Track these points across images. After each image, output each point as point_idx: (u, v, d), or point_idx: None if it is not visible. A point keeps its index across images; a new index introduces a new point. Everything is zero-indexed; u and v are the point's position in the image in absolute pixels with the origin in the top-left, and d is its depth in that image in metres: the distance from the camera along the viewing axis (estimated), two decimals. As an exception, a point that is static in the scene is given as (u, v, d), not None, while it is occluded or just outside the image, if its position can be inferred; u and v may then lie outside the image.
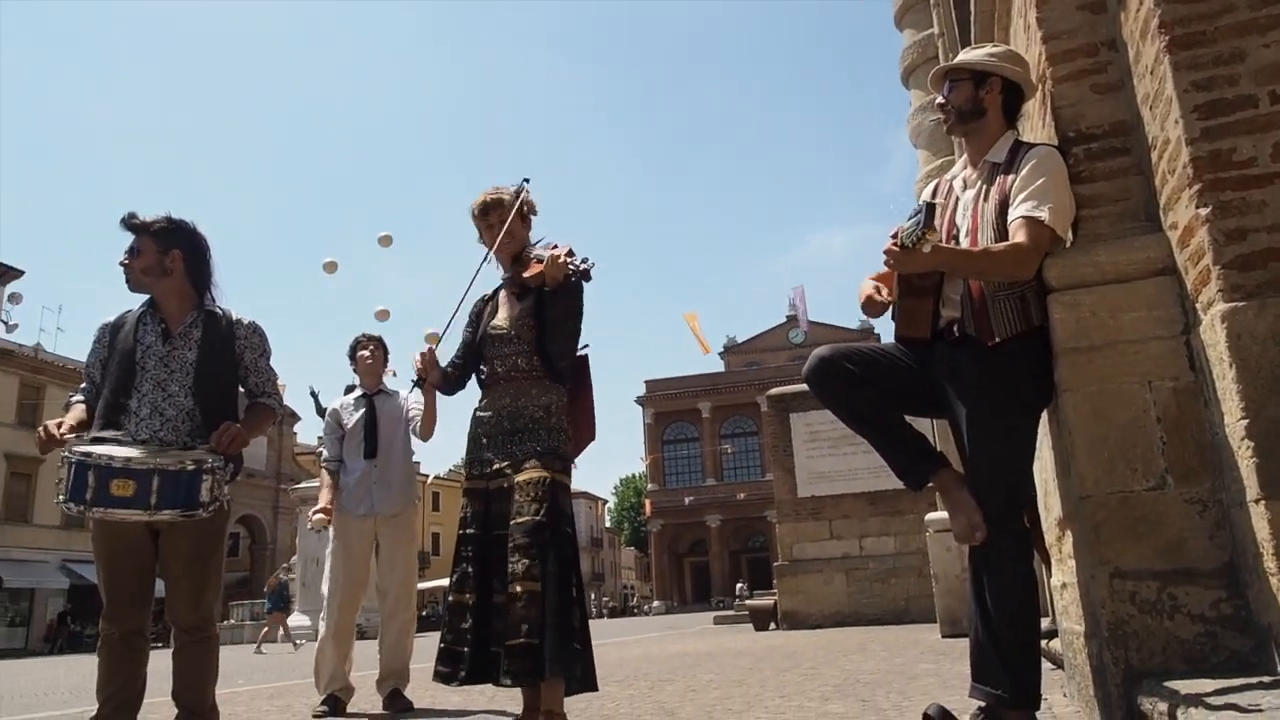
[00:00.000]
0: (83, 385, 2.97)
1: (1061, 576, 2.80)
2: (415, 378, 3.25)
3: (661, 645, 9.85)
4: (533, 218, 3.26)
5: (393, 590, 4.45)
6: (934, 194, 2.64)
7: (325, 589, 4.40)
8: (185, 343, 2.89)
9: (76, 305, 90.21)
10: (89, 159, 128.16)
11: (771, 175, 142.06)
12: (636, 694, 4.33)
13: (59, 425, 2.67)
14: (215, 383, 2.89)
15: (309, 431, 40.01)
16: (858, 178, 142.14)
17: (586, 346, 3.16)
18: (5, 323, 32.82)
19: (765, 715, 3.30)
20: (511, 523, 2.76)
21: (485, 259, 3.20)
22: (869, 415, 2.51)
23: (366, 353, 4.72)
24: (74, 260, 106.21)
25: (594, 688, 2.81)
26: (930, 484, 2.44)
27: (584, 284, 3.03)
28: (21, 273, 33.20)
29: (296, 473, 41.09)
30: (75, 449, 2.55)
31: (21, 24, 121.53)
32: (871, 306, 2.62)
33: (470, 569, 2.86)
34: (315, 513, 4.43)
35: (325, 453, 4.67)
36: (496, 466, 2.91)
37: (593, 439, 3.14)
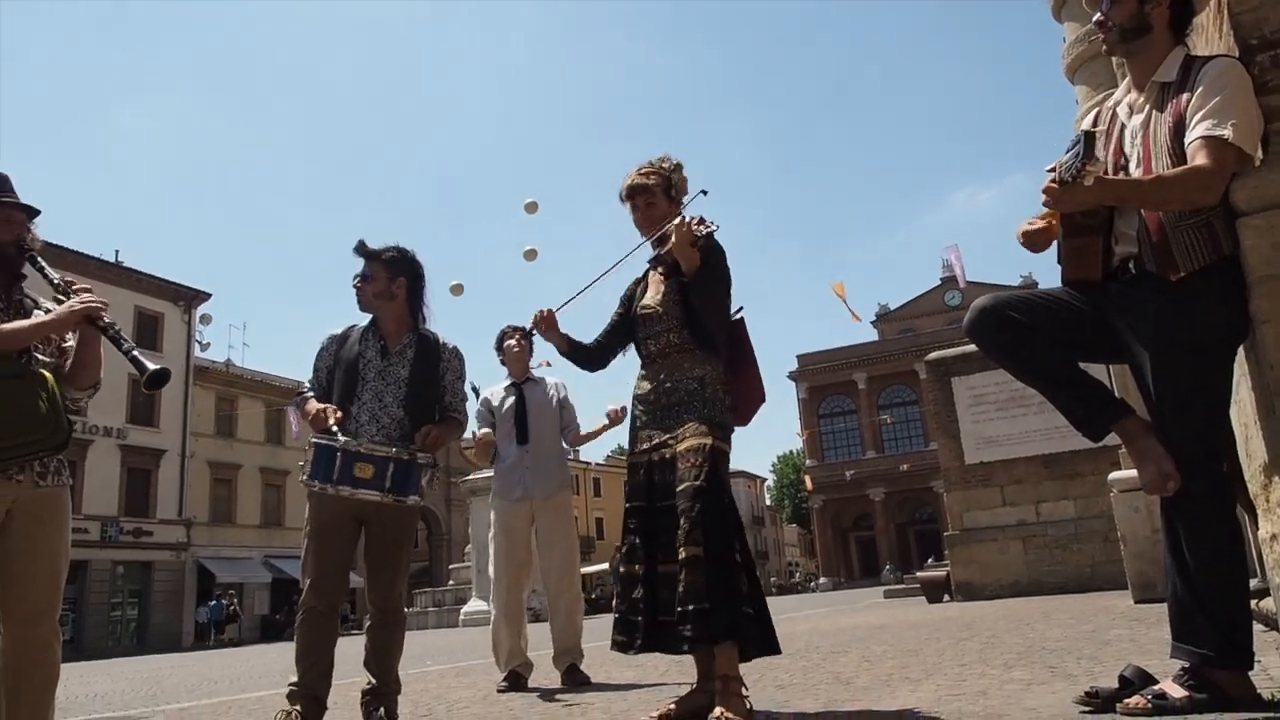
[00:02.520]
0: (309, 381, 3.27)
1: (1270, 527, 2.56)
2: (529, 327, 3.24)
3: (830, 620, 9.72)
4: (685, 198, 3.20)
5: (555, 570, 4.59)
6: (1094, 122, 2.45)
7: (492, 572, 4.59)
8: (400, 360, 3.22)
9: (258, 321, 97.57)
10: (252, 178, 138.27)
11: (901, 135, 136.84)
12: (809, 665, 4.30)
13: (334, 417, 2.97)
14: (423, 397, 3.21)
15: (473, 426, 41.73)
16: (1000, 128, 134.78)
17: (741, 309, 3.10)
18: (199, 342, 36.02)
19: (945, 683, 3.20)
20: (676, 490, 2.78)
21: (637, 247, 3.19)
22: (1039, 365, 2.37)
23: (513, 342, 4.87)
24: (252, 279, 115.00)
25: (774, 650, 2.79)
26: (1111, 434, 2.29)
27: (722, 251, 3.00)
28: (209, 295, 36.28)
29: (464, 466, 43.03)
30: (322, 436, 2.88)
31: (192, 60, 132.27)
32: (1030, 239, 2.43)
33: (637, 540, 2.90)
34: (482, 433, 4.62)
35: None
36: (657, 440, 2.94)
37: (762, 400, 3.07)
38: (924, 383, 18.00)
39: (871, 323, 58.82)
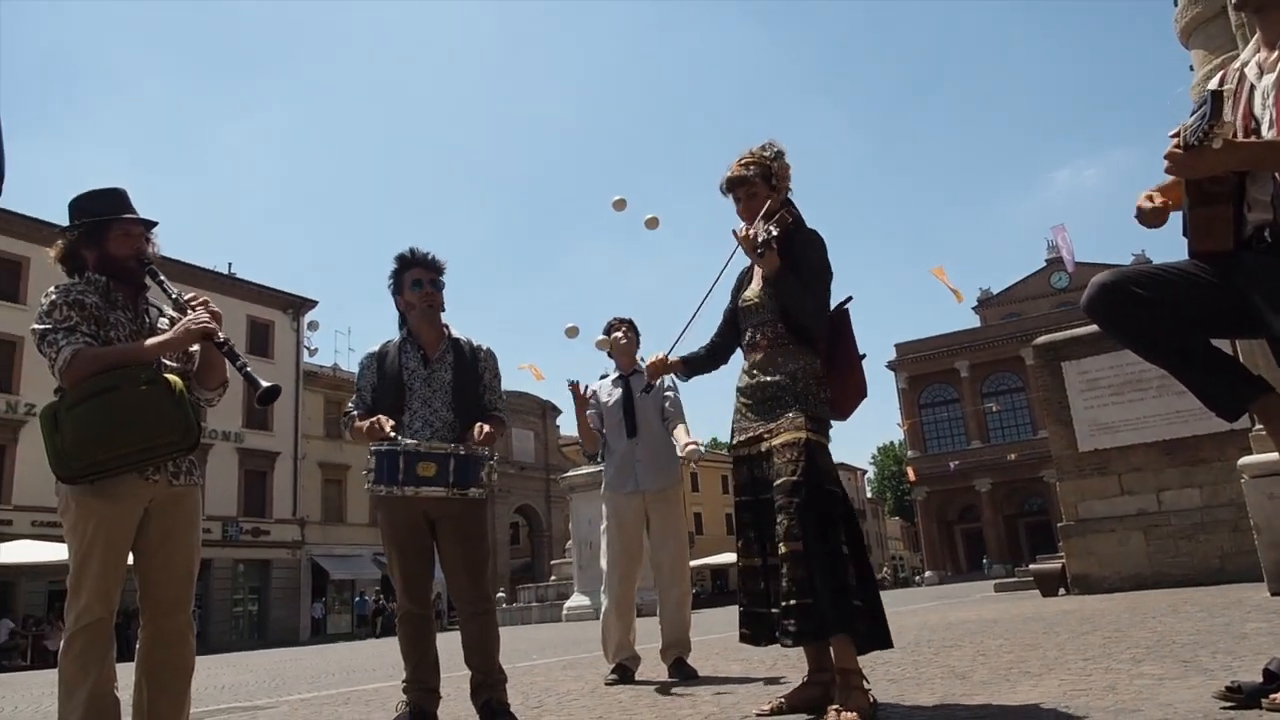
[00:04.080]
0: (353, 400, 3.38)
1: None
2: (645, 386, 3.51)
3: (939, 614, 9.46)
4: (789, 188, 3.11)
5: (666, 564, 4.59)
6: (1220, 84, 2.30)
7: (604, 564, 4.62)
8: (442, 366, 3.32)
9: (361, 326, 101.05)
10: (348, 187, 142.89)
11: (997, 114, 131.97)
12: (921, 659, 4.19)
13: (389, 422, 3.08)
14: (468, 398, 3.31)
15: (571, 424, 42.26)
16: (1100, 102, 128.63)
17: (849, 299, 3.02)
18: (308, 348, 37.50)
19: (1069, 678, 3.07)
20: (774, 485, 2.75)
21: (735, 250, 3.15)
22: (1167, 342, 2.24)
23: (619, 334, 4.88)
24: (354, 285, 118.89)
25: (886, 644, 2.73)
26: (1248, 413, 2.14)
27: (816, 243, 2.94)
28: (316, 302, 37.78)
29: (563, 463, 43.60)
30: (382, 443, 2.98)
31: (286, 77, 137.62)
32: (1146, 216, 2.29)
33: (752, 534, 2.89)
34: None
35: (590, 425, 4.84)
36: (754, 434, 2.91)
37: (862, 396, 2.99)
38: (1032, 368, 17.35)
39: (973, 308, 57.06)
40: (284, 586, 33.90)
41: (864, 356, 3.03)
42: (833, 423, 2.94)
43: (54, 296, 2.47)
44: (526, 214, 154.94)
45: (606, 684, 4.36)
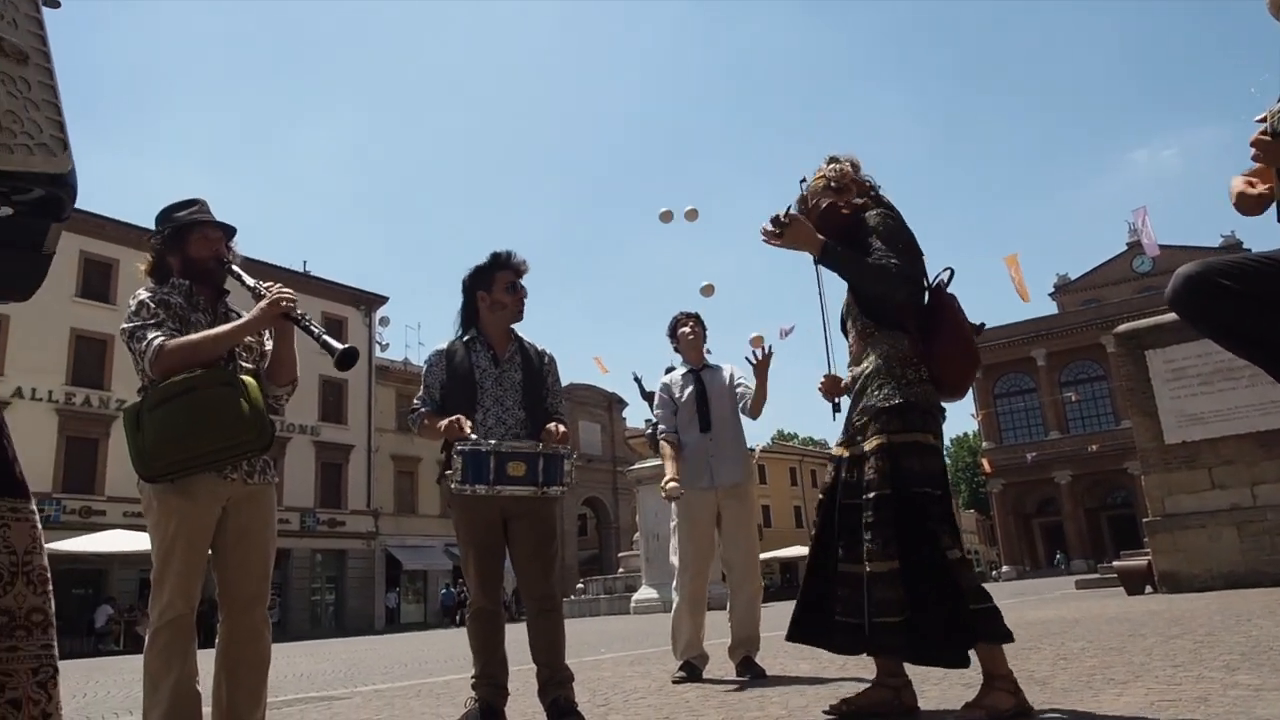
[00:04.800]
0: (420, 397, 3.40)
1: None
2: (833, 404, 3.22)
3: (1019, 611, 9.18)
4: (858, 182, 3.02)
5: (738, 561, 4.52)
6: None
7: (675, 561, 4.57)
8: (511, 366, 3.34)
9: (431, 321, 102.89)
10: (415, 183, 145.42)
11: (1070, 95, 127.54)
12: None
13: (467, 422, 3.08)
14: (537, 397, 3.33)
15: (636, 416, 42.47)
16: (1178, 79, 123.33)
17: (946, 272, 2.87)
18: (379, 343, 38.32)
19: (1157, 686, 2.92)
20: (864, 497, 2.66)
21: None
22: (1255, 336, 2.10)
23: (687, 329, 4.80)
24: (423, 280, 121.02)
25: (1007, 638, 2.61)
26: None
27: (876, 221, 2.85)
28: (386, 298, 38.55)
29: (629, 455, 43.76)
30: (466, 443, 2.98)
31: (353, 77, 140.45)
32: (1246, 203, 2.17)
33: (821, 535, 2.82)
34: (667, 482, 4.51)
35: (661, 425, 4.76)
36: (849, 435, 2.84)
37: (973, 363, 2.81)
38: (1113, 356, 16.74)
39: (1050, 295, 55.37)
40: (359, 576, 34.76)
41: (980, 327, 2.85)
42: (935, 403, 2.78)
43: (141, 296, 2.59)
44: (592, 205, 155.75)
45: (674, 682, 4.32)
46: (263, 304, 2.61)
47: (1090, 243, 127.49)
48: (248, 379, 2.58)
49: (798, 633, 2.84)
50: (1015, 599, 13.71)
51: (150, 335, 2.50)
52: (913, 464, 2.62)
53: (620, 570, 29.94)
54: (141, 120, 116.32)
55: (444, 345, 3.43)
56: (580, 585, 30.12)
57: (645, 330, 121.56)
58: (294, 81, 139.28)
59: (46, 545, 1.31)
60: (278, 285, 2.68)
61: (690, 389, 4.71)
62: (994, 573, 51.37)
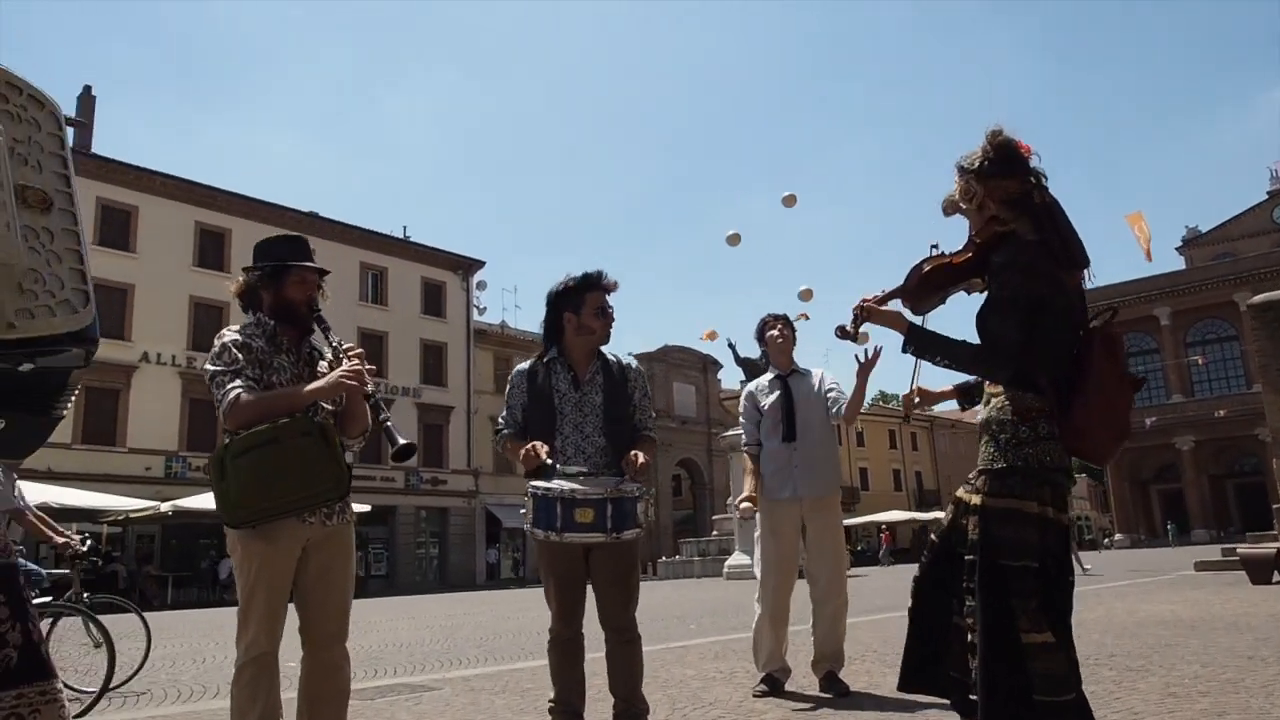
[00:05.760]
0: (503, 416, 3.33)
1: None
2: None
3: (1128, 603, 8.75)
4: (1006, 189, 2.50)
5: (823, 575, 4.38)
6: None
7: (758, 573, 4.45)
8: (592, 388, 3.22)
9: (527, 283, 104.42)
10: (508, 146, 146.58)
11: (1198, 28, 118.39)
12: (1099, 691, 3.78)
13: (544, 449, 3.00)
14: (619, 421, 3.21)
15: (731, 377, 42.19)
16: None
17: (1109, 312, 2.46)
18: (477, 307, 39.09)
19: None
20: (966, 558, 2.46)
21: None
22: None
23: (775, 332, 4.62)
24: (519, 244, 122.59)
25: None
26: None
27: (1018, 261, 2.40)
28: (484, 263, 39.20)
29: (724, 417, 43.67)
30: (537, 484, 2.90)
31: (444, 41, 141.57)
32: None
33: (928, 577, 2.63)
34: (741, 501, 4.44)
35: (744, 437, 4.65)
36: (970, 479, 2.58)
37: (1117, 437, 2.40)
38: (1248, 327, 15.62)
39: (1177, 249, 52.28)
40: (461, 533, 35.93)
41: (1140, 382, 2.50)
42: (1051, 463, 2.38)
43: (226, 338, 2.67)
44: (686, 162, 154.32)
45: (754, 695, 4.24)
46: (337, 376, 2.65)
47: (1223, 192, 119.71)
48: (328, 424, 2.67)
49: (912, 682, 2.65)
50: (1126, 581, 13.11)
51: (228, 386, 2.57)
52: (1004, 533, 2.36)
53: (714, 533, 30.08)
54: (245, 90, 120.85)
55: (525, 364, 3.35)
56: (678, 554, 30.37)
57: (740, 291, 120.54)
58: (391, 44, 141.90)
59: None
60: (357, 354, 2.72)
61: (776, 395, 4.53)
62: (1106, 540, 49.51)
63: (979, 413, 2.63)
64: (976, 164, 2.49)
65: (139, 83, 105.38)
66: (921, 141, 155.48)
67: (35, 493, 21.88)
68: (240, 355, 2.64)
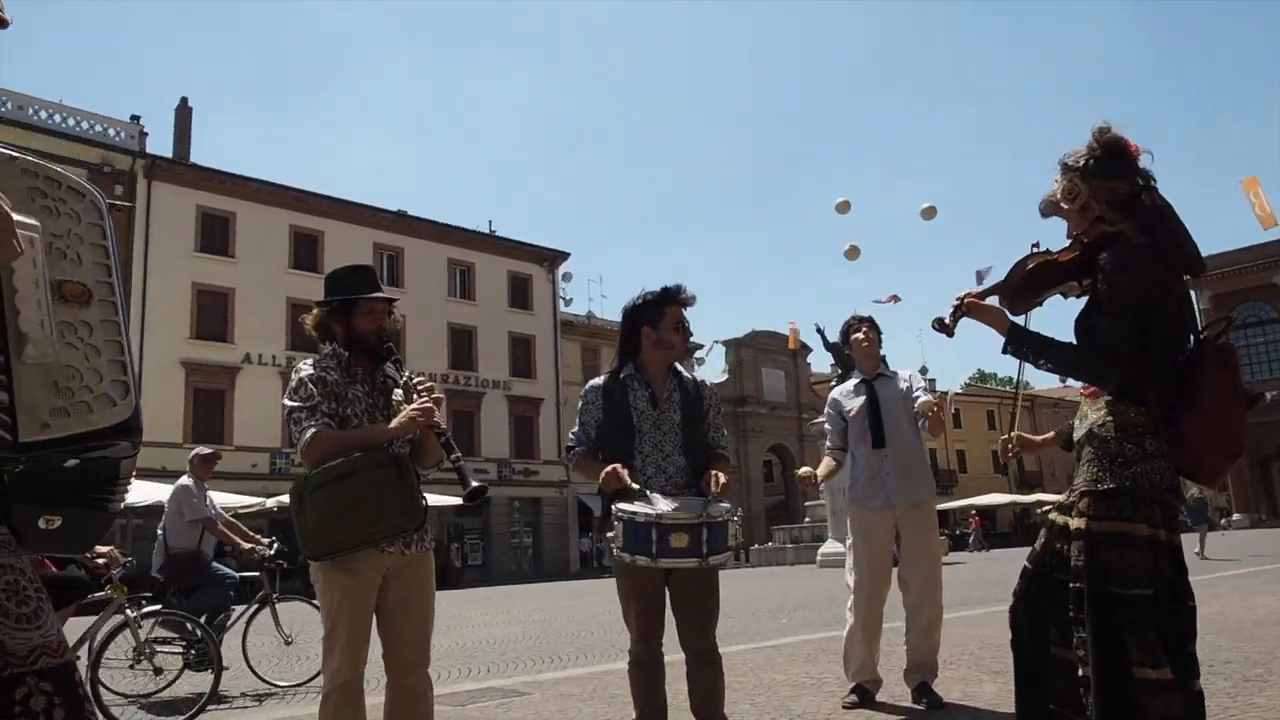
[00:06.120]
0: (575, 433, 3.28)
1: None
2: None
3: (1244, 596, 8.27)
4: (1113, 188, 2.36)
5: (916, 584, 4.24)
6: None
7: (850, 581, 4.34)
8: (670, 406, 3.16)
9: (612, 273, 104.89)
10: (589, 137, 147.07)
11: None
12: (1212, 706, 3.49)
13: (624, 472, 2.96)
14: (697, 439, 3.16)
15: (821, 361, 41.58)
16: None
17: (1221, 322, 2.31)
18: (563, 298, 39.45)
19: None
20: (1070, 585, 2.32)
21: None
22: None
23: (860, 335, 4.48)
24: (603, 234, 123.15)
25: None
26: None
27: (1123, 261, 2.25)
28: (568, 254, 39.53)
29: (814, 401, 43.09)
30: (626, 508, 2.84)
31: (527, 36, 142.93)
32: None
33: (1021, 605, 2.48)
34: (809, 472, 4.37)
35: (828, 443, 4.55)
36: (1066, 499, 2.44)
37: (1228, 457, 2.27)
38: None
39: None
40: (553, 522, 36.45)
41: (1257, 399, 2.32)
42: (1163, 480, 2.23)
43: (301, 373, 2.76)
44: (768, 143, 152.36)
45: (844, 706, 4.14)
46: (409, 414, 2.69)
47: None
48: (404, 457, 2.72)
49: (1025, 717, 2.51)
50: (1245, 571, 12.42)
51: (305, 424, 2.66)
52: (1111, 559, 2.20)
53: (806, 520, 29.78)
54: (330, 92, 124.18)
55: (599, 380, 3.31)
56: (770, 541, 30.15)
57: (827, 272, 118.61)
58: (468, 40, 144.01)
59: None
60: (427, 389, 2.75)
61: (861, 401, 4.40)
62: (1223, 521, 47.07)
63: (1075, 426, 2.48)
64: (1082, 162, 2.35)
65: (230, 90, 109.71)
66: (1021, 109, 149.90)
67: (149, 491, 23.27)
68: (315, 390, 2.71)
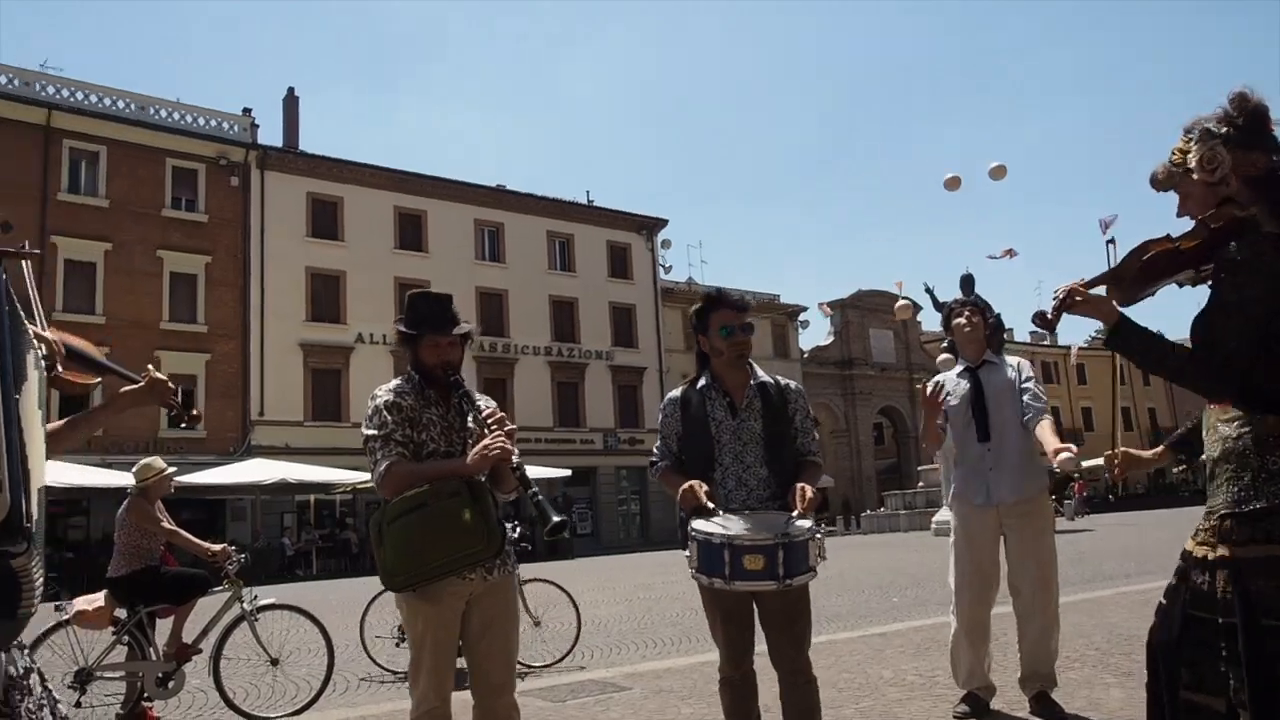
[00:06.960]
0: (658, 447, 3.14)
1: None
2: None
3: None
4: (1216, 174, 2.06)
5: (1026, 589, 3.93)
6: None
7: (952, 583, 4.08)
8: (750, 414, 3.00)
9: (712, 238, 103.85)
10: (682, 102, 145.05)
11: None
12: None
13: (704, 489, 2.82)
14: (781, 449, 3.00)
15: (930, 321, 40.23)
16: None
17: None
18: (662, 266, 39.28)
19: None
20: (1217, 620, 2.03)
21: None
22: None
23: (962, 320, 4.14)
24: (700, 199, 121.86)
25: None
26: None
27: (1250, 260, 1.98)
28: (666, 221, 39.26)
29: (925, 361, 41.81)
30: (700, 528, 2.71)
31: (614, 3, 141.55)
32: None
33: (1161, 638, 2.16)
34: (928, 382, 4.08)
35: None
36: (1206, 521, 2.13)
37: None
38: None
39: None
40: (660, 490, 36.01)
41: None
42: None
43: (377, 400, 2.77)
44: (869, 98, 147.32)
45: (955, 716, 3.90)
46: (482, 450, 2.66)
47: None
48: (480, 485, 2.67)
49: None
50: None
51: (380, 456, 2.67)
52: (1263, 587, 1.94)
53: (920, 484, 29.03)
54: (426, 72, 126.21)
55: (677, 392, 3.18)
56: (882, 507, 29.56)
57: (936, 228, 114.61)
58: (562, 11, 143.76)
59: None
60: (498, 420, 2.71)
61: (964, 389, 4.10)
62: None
63: (1209, 440, 2.18)
64: (1224, 130, 2.05)
65: (333, 75, 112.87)
66: (1136, 44, 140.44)
67: (277, 470, 24.36)
68: (389, 417, 2.71)
